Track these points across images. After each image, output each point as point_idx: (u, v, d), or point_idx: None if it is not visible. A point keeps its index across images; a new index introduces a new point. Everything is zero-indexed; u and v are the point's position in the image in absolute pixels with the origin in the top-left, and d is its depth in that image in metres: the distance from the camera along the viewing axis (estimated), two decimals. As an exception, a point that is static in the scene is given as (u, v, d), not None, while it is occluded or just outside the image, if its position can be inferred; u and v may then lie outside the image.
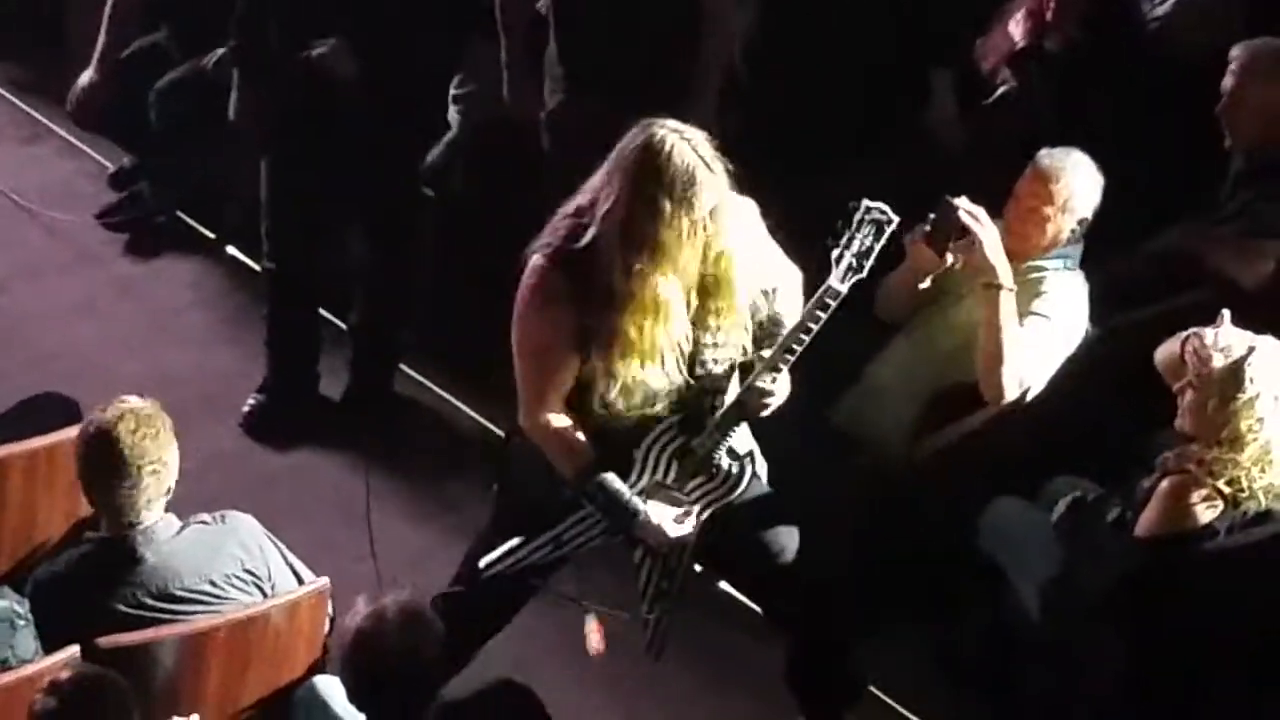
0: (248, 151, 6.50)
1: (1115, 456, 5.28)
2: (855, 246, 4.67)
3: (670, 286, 4.54)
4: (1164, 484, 4.85)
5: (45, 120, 8.23)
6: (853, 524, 5.51)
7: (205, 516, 4.74)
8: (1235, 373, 4.72)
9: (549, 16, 6.35)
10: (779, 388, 4.71)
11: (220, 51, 6.71)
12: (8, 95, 8.43)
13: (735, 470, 4.83)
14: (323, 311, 6.71)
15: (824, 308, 4.64)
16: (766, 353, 4.69)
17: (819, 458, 5.56)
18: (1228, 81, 5.68)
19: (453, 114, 6.82)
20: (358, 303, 6.63)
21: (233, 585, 4.65)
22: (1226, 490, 4.76)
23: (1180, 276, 5.62)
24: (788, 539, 4.96)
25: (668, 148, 4.46)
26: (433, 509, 6.18)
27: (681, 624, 5.22)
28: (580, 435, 4.73)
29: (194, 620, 4.56)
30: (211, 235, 7.54)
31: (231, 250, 7.42)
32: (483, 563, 4.84)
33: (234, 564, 4.67)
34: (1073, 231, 5.42)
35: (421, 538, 6.02)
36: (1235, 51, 5.69)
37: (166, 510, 4.63)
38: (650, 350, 4.59)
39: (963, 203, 5.27)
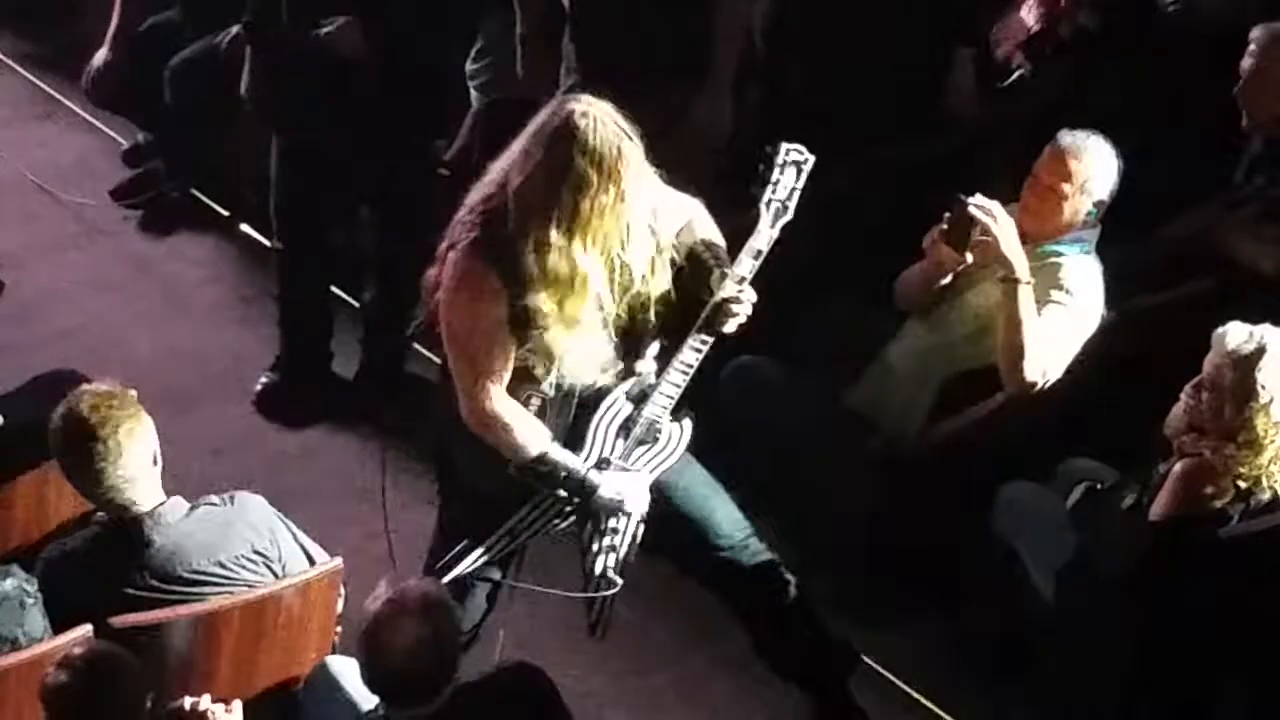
0: (262, 129, 6.49)
1: (1129, 440, 5.27)
2: (780, 191, 4.70)
3: (589, 259, 4.48)
4: (1178, 466, 4.83)
5: (60, 97, 8.24)
6: (866, 508, 5.50)
7: (214, 498, 4.72)
8: (1246, 379, 4.69)
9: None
10: (745, 297, 4.68)
11: (234, 29, 6.70)
12: (23, 72, 8.44)
13: (676, 431, 4.85)
14: (336, 290, 6.70)
15: (756, 255, 4.67)
16: (726, 272, 4.69)
17: (833, 441, 5.55)
18: (1247, 62, 5.65)
19: (474, 94, 6.81)
20: (370, 281, 6.62)
21: (242, 566, 4.64)
22: (1242, 485, 4.74)
23: (1195, 261, 5.60)
24: (725, 517, 4.98)
25: (591, 122, 4.42)
26: (444, 489, 6.16)
27: (697, 605, 5.21)
28: (530, 417, 4.70)
29: (206, 600, 4.55)
30: (225, 213, 7.54)
31: (245, 228, 7.42)
32: (439, 569, 4.84)
33: (243, 545, 4.66)
34: (1089, 214, 5.40)
35: (433, 518, 5.99)
36: (1256, 33, 5.66)
37: (173, 492, 4.61)
38: (574, 322, 4.55)
39: (976, 199, 5.25)
